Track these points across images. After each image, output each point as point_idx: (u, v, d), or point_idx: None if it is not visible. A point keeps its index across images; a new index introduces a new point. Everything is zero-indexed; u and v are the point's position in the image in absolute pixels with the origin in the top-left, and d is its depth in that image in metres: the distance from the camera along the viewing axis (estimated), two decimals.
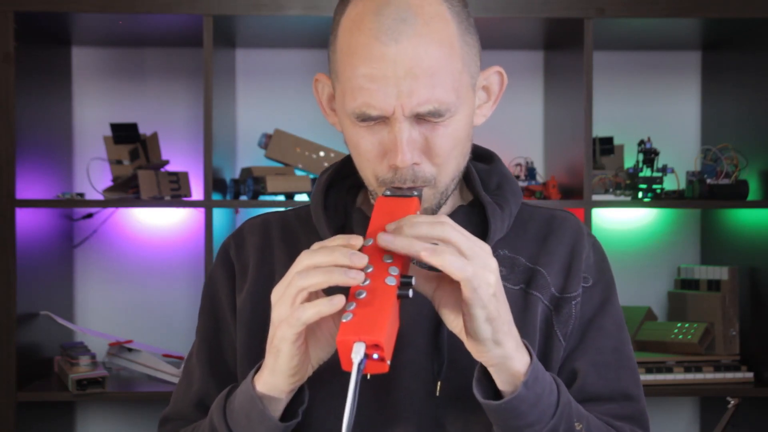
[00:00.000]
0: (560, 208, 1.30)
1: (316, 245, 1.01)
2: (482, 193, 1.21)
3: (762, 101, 2.46)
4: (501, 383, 1.04)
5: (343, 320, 0.95)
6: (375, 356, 0.94)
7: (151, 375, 2.45)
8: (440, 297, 1.03)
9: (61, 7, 2.27)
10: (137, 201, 2.38)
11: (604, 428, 1.14)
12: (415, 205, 1.07)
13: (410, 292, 0.98)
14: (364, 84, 1.07)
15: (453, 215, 1.21)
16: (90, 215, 2.67)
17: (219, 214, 2.40)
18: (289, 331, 0.99)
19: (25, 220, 2.36)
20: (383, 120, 1.09)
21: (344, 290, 0.99)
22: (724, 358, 2.46)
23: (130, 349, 2.50)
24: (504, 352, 1.02)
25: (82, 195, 2.56)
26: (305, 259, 1.00)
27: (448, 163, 1.13)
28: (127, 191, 2.46)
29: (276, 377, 1.04)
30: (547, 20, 2.37)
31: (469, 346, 1.02)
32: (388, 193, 1.10)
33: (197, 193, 2.53)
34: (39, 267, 2.45)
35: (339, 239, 1.00)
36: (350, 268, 0.97)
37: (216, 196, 2.35)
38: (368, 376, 1.13)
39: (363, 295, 0.96)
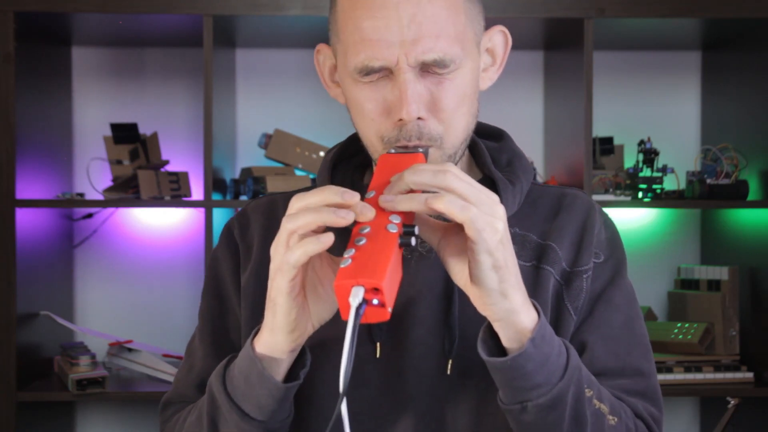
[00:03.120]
0: (572, 187, 1.27)
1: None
2: (493, 169, 1.19)
3: (762, 101, 2.46)
4: (507, 340, 1.01)
5: (342, 266, 0.91)
6: (375, 302, 0.90)
7: (151, 375, 2.45)
8: (445, 246, 1.00)
9: (61, 7, 2.27)
10: (137, 201, 2.38)
11: (616, 402, 1.11)
12: (420, 161, 1.03)
13: (413, 240, 0.94)
14: (368, 35, 1.06)
15: None
16: (90, 215, 2.67)
17: (219, 214, 2.40)
18: (282, 279, 0.97)
19: (25, 220, 2.36)
20: (387, 75, 1.07)
21: (345, 241, 0.96)
22: (724, 358, 2.46)
23: (130, 349, 2.50)
24: (510, 305, 0.98)
25: (82, 195, 2.56)
26: (296, 201, 0.97)
27: (455, 119, 1.10)
28: (127, 191, 2.46)
29: (275, 335, 1.01)
30: (547, 20, 2.37)
31: (475, 298, 0.99)
32: (393, 151, 1.07)
33: (197, 193, 2.53)
34: (39, 267, 2.45)
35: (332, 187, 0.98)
36: (342, 206, 0.95)
37: (216, 196, 2.35)
38: (377, 354, 1.12)
39: (363, 242, 0.92)
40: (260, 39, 2.62)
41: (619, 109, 2.75)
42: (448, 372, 1.12)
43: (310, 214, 0.95)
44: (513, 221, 1.18)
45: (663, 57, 2.77)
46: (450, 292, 1.14)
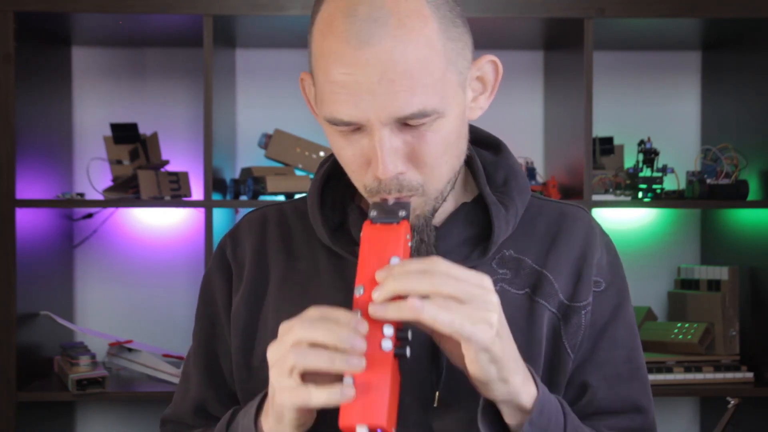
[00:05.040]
0: (571, 203, 1.24)
1: (315, 311, 0.95)
2: (486, 192, 1.15)
3: (762, 101, 2.46)
4: (508, 416, 1.02)
5: (342, 401, 0.93)
6: None
7: (151, 375, 2.45)
8: (440, 334, 0.97)
9: (61, 7, 2.27)
10: (137, 201, 2.38)
11: None
12: (404, 230, 1.02)
13: (407, 351, 0.95)
14: (337, 90, 1.00)
15: (456, 213, 1.16)
16: (90, 215, 2.67)
17: (219, 214, 2.40)
18: (289, 401, 0.96)
19: (25, 220, 2.36)
20: (362, 127, 1.02)
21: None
22: (724, 358, 2.46)
23: (130, 349, 2.50)
24: (510, 388, 0.98)
25: (82, 195, 2.56)
26: (301, 329, 0.93)
27: (437, 169, 1.05)
28: (127, 191, 2.46)
29: (282, 427, 1.01)
30: (547, 20, 2.37)
31: (475, 383, 0.99)
32: (374, 213, 1.03)
33: (197, 193, 2.53)
34: (39, 267, 2.45)
35: (342, 315, 0.93)
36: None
37: (216, 196, 2.35)
38: None
39: (361, 366, 0.93)
40: (260, 39, 2.62)
41: (619, 109, 2.75)
42: (435, 404, 1.10)
43: (323, 360, 0.92)
44: (508, 242, 1.16)
45: (663, 57, 2.77)
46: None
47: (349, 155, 1.06)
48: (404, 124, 1.01)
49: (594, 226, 1.20)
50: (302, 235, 1.20)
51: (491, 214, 1.13)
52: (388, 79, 0.98)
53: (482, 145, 1.22)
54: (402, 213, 1.02)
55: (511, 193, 1.16)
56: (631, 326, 1.19)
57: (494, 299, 0.95)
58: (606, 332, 1.16)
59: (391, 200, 1.04)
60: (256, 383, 1.14)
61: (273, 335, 1.08)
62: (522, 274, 1.14)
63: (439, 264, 0.94)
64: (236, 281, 1.20)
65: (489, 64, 1.10)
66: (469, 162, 1.17)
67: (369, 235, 1.02)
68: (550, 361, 1.12)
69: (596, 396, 1.14)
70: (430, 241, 1.10)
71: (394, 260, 0.98)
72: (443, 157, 1.05)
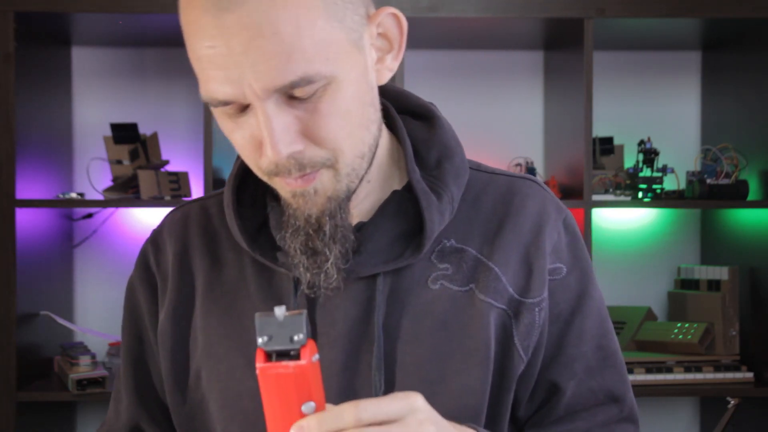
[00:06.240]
0: (523, 175, 1.11)
1: None
2: (415, 178, 1.01)
3: (762, 101, 2.46)
4: None
5: None
6: None
7: None
8: None
9: (61, 7, 2.27)
10: (137, 201, 2.38)
11: None
12: (309, 362, 0.81)
13: None
14: (204, 67, 0.89)
15: (385, 205, 1.03)
16: (90, 215, 2.67)
17: None
18: None
19: (25, 220, 2.36)
20: (248, 106, 0.91)
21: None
22: (724, 358, 2.46)
23: None
24: None
25: (82, 195, 2.56)
26: None
27: (341, 141, 0.93)
28: (127, 191, 2.46)
29: None
30: (547, 20, 2.37)
31: None
32: (264, 338, 0.81)
33: (197, 193, 2.53)
34: (39, 267, 2.45)
35: None
36: None
37: None
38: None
39: None
40: None
41: (619, 109, 2.75)
42: None
43: None
44: (448, 230, 1.04)
45: (663, 57, 2.77)
46: (370, 330, 1.00)
47: (239, 139, 0.94)
48: (292, 97, 0.89)
49: (547, 204, 1.07)
50: (227, 236, 1.09)
51: (421, 206, 1.00)
52: (256, 46, 0.86)
53: (412, 113, 1.09)
54: (298, 336, 0.81)
55: (445, 178, 1.04)
56: (599, 312, 1.08)
57: (421, 415, 0.85)
58: (572, 325, 1.06)
59: (280, 314, 0.82)
60: (192, 406, 1.07)
61: (203, 354, 1.05)
62: (464, 268, 1.03)
63: (363, 411, 0.82)
64: (161, 294, 1.10)
65: (389, 17, 0.97)
66: (400, 139, 1.06)
67: (267, 377, 0.82)
68: (500, 363, 1.03)
69: (566, 396, 1.06)
70: (345, 223, 0.98)
71: (307, 407, 0.83)
72: (345, 129, 0.93)
